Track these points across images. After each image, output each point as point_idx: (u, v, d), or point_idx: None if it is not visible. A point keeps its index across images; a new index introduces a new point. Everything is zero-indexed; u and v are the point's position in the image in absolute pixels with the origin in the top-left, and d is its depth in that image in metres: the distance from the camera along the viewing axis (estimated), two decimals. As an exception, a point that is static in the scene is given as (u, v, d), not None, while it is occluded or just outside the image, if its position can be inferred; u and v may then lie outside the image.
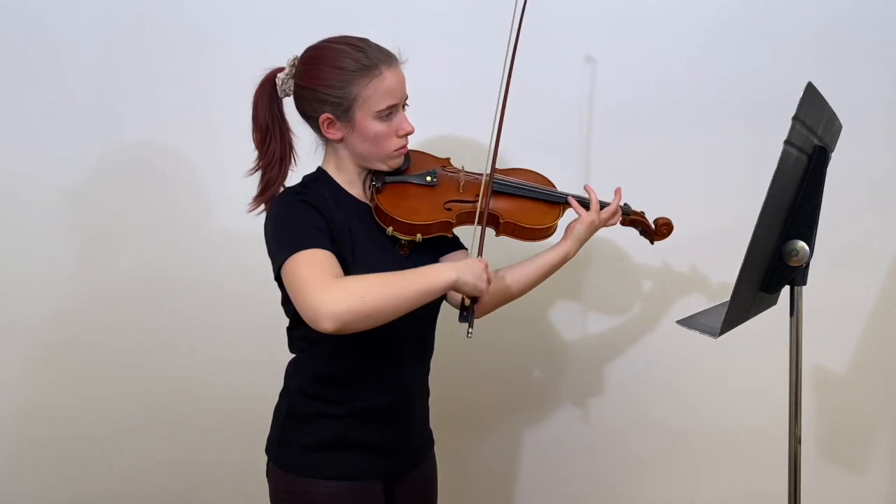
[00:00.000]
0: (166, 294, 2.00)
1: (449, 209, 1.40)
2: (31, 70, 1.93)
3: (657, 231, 1.65)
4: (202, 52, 1.94)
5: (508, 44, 1.36)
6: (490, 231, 1.41)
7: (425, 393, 1.49)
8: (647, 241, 1.70)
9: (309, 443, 1.35)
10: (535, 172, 1.56)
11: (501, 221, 1.44)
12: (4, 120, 1.94)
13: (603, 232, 1.94)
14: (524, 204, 1.48)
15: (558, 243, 1.49)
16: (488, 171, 1.39)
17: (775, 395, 1.65)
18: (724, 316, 1.16)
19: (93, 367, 2.01)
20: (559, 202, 1.51)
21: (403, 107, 1.35)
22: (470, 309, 1.30)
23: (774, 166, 1.10)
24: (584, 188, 1.54)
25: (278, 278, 1.25)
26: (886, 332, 2.02)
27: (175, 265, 2.00)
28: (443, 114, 1.77)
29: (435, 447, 1.54)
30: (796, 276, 1.25)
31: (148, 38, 1.94)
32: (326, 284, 1.15)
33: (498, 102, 1.37)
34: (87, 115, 1.95)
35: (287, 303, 1.35)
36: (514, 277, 1.47)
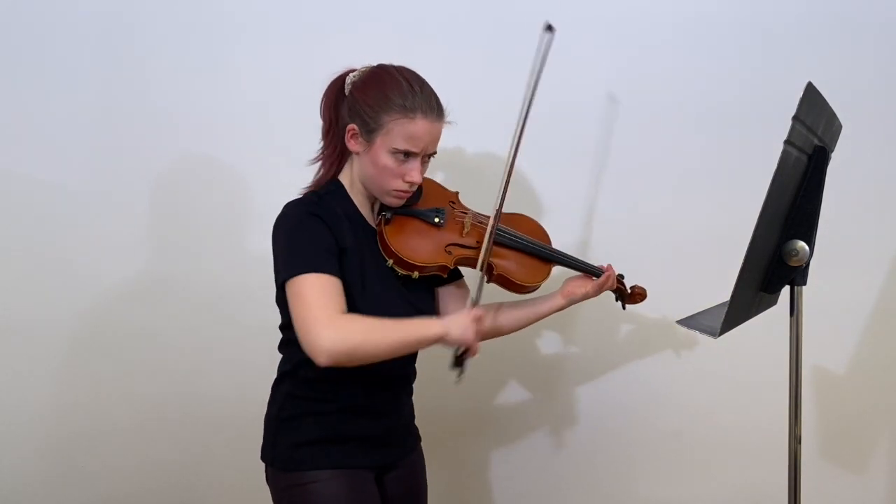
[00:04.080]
0: (169, 295, 2.00)
1: (449, 252, 1.45)
2: (42, 73, 1.93)
3: (632, 296, 1.72)
4: (205, 54, 1.95)
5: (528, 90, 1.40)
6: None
7: (409, 391, 1.54)
8: (641, 238, 1.79)
9: (300, 440, 1.39)
10: (535, 223, 1.62)
11: (495, 273, 1.49)
12: (13, 123, 1.94)
13: (604, 234, 1.95)
14: (520, 258, 1.53)
15: (553, 296, 1.59)
16: (492, 224, 1.43)
17: (775, 395, 1.65)
18: (724, 316, 1.16)
19: (94, 368, 2.01)
20: (552, 260, 1.57)
21: (425, 159, 1.39)
22: (462, 358, 1.35)
23: (774, 166, 1.10)
24: (606, 267, 1.62)
25: (280, 287, 1.30)
26: (886, 332, 2.02)
27: (179, 267, 1.99)
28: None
29: (428, 449, 1.59)
30: (796, 276, 1.25)
31: (152, 39, 1.94)
32: (330, 320, 1.22)
33: (507, 167, 1.41)
34: (91, 118, 1.95)
35: (282, 303, 1.37)
36: (509, 318, 1.58)
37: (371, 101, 1.34)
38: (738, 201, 1.67)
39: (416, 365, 1.53)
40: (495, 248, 1.49)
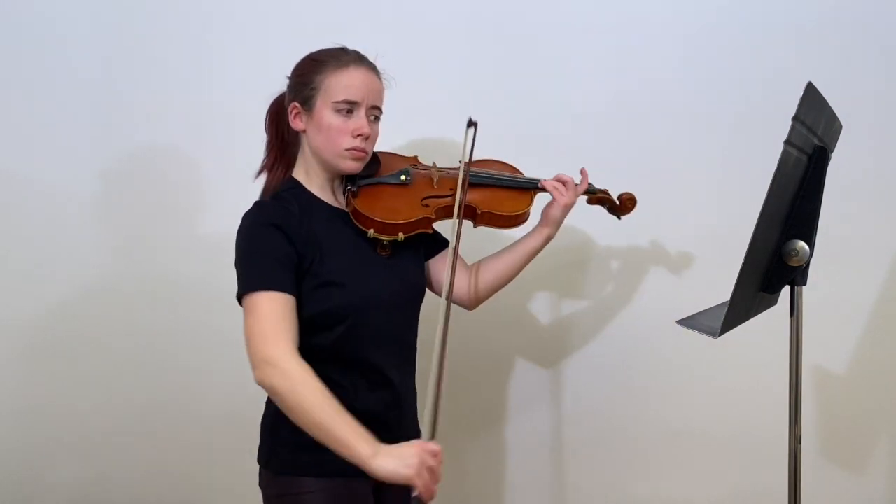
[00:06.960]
0: (163, 297, 2.00)
1: (427, 205, 1.42)
2: (34, 70, 1.93)
3: (622, 206, 1.67)
4: (203, 54, 1.95)
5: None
6: (468, 223, 1.45)
7: (412, 393, 1.49)
8: (641, 238, 1.78)
9: (296, 443, 1.31)
10: (501, 162, 1.58)
11: (479, 212, 1.47)
12: (6, 120, 1.94)
13: (604, 233, 1.95)
14: (497, 193, 1.50)
15: (538, 228, 1.54)
16: (461, 165, 1.42)
17: (775, 395, 1.65)
18: (724, 316, 1.16)
19: (90, 369, 2.01)
20: (530, 188, 1.54)
21: (370, 114, 1.36)
22: (414, 501, 1.15)
23: (774, 166, 1.10)
24: (557, 176, 1.56)
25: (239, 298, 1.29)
26: (886, 332, 2.02)
27: (176, 266, 2.00)
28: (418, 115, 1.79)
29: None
30: (796, 276, 1.25)
31: (151, 40, 1.95)
32: (278, 347, 1.21)
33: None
34: (90, 116, 1.95)
35: None
36: (503, 263, 1.54)
37: (303, 69, 1.36)
38: (738, 201, 1.67)
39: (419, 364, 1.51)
40: (471, 190, 1.46)
